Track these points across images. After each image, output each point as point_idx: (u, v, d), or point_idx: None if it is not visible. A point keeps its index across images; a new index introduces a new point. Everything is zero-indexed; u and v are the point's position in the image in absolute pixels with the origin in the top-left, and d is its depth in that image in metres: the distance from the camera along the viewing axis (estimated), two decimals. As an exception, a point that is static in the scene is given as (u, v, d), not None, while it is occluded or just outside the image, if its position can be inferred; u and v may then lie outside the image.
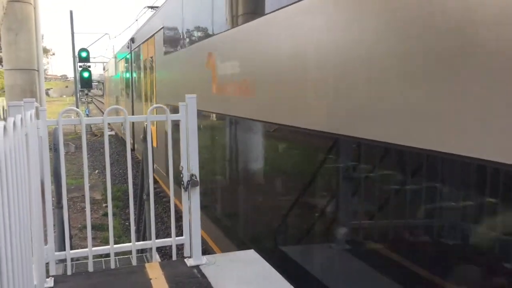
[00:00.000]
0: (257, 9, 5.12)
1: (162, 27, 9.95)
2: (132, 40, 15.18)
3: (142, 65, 13.52)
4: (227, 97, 5.71)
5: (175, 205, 3.85)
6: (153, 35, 11.01)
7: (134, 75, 15.49)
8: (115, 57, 23.36)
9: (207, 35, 6.86)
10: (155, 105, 3.67)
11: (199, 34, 7.39)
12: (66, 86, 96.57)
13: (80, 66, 24.00)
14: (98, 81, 59.00)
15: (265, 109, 4.61)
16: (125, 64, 17.69)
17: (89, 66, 24.28)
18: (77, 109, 3.68)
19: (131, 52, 15.68)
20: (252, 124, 5.32)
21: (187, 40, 8.14)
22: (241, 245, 5.54)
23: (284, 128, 4.41)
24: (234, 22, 5.81)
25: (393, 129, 2.84)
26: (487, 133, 2.19)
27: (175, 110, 3.48)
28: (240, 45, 5.37)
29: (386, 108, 2.92)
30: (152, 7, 16.67)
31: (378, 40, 2.98)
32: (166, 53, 9.71)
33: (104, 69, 35.04)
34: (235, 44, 5.57)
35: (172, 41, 9.29)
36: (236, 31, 5.51)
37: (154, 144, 10.60)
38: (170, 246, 3.77)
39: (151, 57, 11.57)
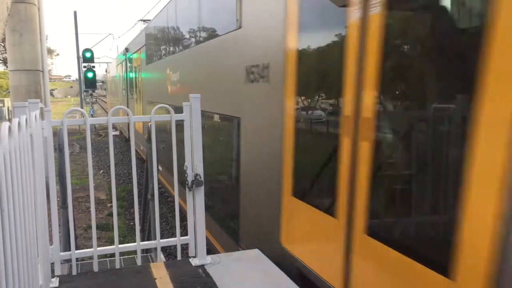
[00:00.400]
0: (177, 48, 9.02)
1: (145, 44, 13.48)
2: (127, 49, 18.92)
3: (133, 70, 17.18)
4: (172, 95, 9.35)
5: (180, 205, 3.85)
6: (140, 48, 14.61)
7: (128, 78, 19.04)
8: (116, 60, 26.72)
9: (165, 56, 10.49)
10: (158, 105, 3.67)
11: (161, 54, 10.92)
12: (71, 87, 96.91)
13: (85, 67, 24.02)
14: (103, 82, 59.07)
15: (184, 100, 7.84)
16: (122, 69, 21.41)
17: (94, 67, 24.27)
18: (82, 110, 3.68)
19: (126, 59, 19.34)
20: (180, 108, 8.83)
21: (156, 57, 11.72)
22: None
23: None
24: (173, 51, 9.58)
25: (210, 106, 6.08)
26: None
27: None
28: (177, 65, 8.95)
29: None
30: (144, 21, 19.98)
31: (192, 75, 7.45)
32: (147, 63, 13.15)
33: (106, 71, 39.18)
34: (176, 64, 9.07)
35: (150, 55, 12.73)
36: (174, 56, 9.31)
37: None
38: (175, 246, 3.78)
39: (139, 65, 15.09)
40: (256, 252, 3.98)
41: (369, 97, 2.72)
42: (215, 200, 6.40)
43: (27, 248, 1.97)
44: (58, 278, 3.35)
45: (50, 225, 3.29)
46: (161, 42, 11.12)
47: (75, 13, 24.67)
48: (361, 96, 2.79)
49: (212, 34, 6.49)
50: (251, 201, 4.85)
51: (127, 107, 19.10)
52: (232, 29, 5.33)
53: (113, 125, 3.64)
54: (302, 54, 3.58)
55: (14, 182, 1.64)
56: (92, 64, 24.25)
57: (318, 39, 3.47)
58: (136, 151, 15.07)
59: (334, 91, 3.19)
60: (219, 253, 5.50)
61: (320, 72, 3.52)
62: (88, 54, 23.62)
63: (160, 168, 8.36)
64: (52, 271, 3.36)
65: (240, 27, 5.00)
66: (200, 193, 3.62)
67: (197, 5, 7.27)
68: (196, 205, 3.63)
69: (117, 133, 25.02)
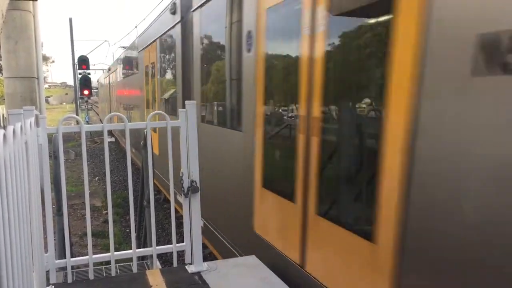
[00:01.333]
0: (129, 72, 16.31)
1: (116, 68, 20.90)
2: (109, 69, 27.16)
3: (112, 83, 24.56)
4: (127, 98, 17.31)
5: (176, 211, 3.84)
6: (116, 69, 21.66)
7: (111, 88, 26.21)
8: (104, 74, 34.71)
9: (129, 76, 16.60)
10: (154, 112, 3.68)
11: (122, 76, 18.30)
12: (66, 94, 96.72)
13: (80, 73, 24.02)
14: (97, 89, 59.08)
15: (134, 99, 15.05)
16: (107, 81, 29.45)
17: (89, 73, 24.27)
18: (77, 117, 3.67)
19: (109, 75, 27.26)
20: (131, 102, 15.66)
21: (124, 75, 18.19)
22: None
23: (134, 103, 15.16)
24: (124, 77, 17.88)
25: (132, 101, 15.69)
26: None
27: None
28: (126, 83, 17.05)
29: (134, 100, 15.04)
30: (123, 47, 26.62)
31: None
32: (118, 80, 20.89)
33: (97, 81, 47.26)
34: (126, 82, 16.94)
35: (122, 73, 19.21)
36: (132, 77, 15.18)
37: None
38: (171, 253, 3.76)
39: (114, 80, 22.91)
40: (253, 259, 3.97)
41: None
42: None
43: (22, 256, 1.96)
44: (53, 286, 3.32)
45: (45, 233, 3.26)
46: (121, 69, 18.86)
47: (70, 20, 24.67)
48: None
49: (132, 72, 14.29)
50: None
51: (110, 109, 26.80)
52: (136, 72, 13.14)
53: (108, 131, 3.63)
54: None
55: (9, 190, 1.63)
56: (88, 71, 24.24)
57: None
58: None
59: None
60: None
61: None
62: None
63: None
64: (47, 279, 3.34)
65: (137, 72, 12.68)
66: (196, 200, 3.61)
67: (127, 59, 15.63)
68: (192, 212, 3.62)
69: (113, 139, 24.95)
